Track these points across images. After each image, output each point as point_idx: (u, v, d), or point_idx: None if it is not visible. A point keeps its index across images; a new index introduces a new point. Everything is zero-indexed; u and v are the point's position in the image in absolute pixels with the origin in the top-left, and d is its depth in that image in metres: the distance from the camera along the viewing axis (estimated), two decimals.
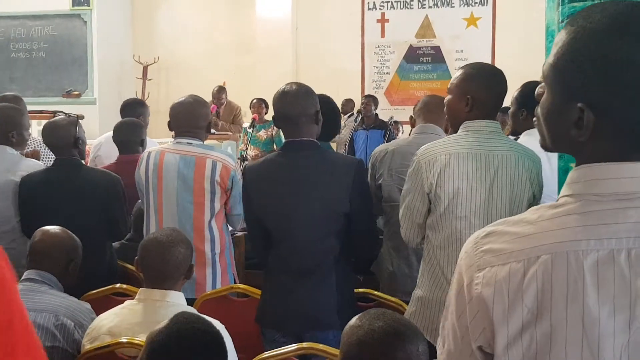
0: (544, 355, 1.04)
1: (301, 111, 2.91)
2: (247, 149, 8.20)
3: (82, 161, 3.84)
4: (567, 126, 1.09)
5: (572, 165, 2.37)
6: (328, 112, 3.27)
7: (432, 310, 2.70)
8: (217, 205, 3.49)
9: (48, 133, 3.76)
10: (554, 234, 1.06)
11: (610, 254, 1.02)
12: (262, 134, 8.44)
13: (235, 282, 3.58)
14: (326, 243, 2.88)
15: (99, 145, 5.06)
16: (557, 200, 1.12)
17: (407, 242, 2.94)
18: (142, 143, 4.51)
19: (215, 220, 3.50)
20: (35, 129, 7.23)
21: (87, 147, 4.52)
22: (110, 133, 4.73)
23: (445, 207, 2.67)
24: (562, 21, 2.43)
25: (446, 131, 3.73)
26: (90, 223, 3.53)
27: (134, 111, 5.15)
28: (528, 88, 3.57)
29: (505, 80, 2.79)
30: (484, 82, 2.76)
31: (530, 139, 3.21)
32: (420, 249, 2.93)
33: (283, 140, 8.86)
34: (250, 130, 8.37)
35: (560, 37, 1.11)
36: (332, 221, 2.88)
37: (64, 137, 3.70)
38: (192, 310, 2.58)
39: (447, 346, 1.18)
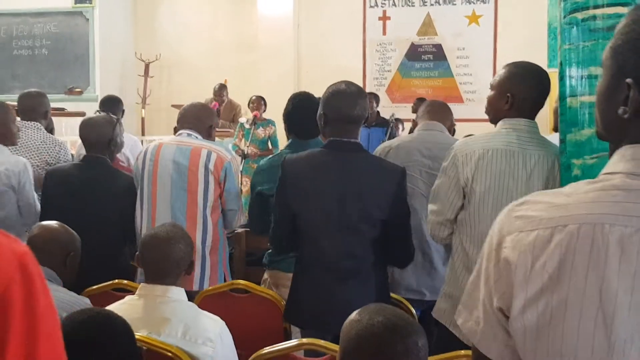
0: (557, 323, 1.05)
1: (358, 112, 2.86)
2: (241, 144, 8.22)
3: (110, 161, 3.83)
4: (616, 105, 1.12)
5: (574, 161, 2.38)
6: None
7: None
8: (211, 197, 3.52)
9: (84, 129, 3.79)
10: (586, 206, 1.07)
11: (638, 232, 1.03)
12: (260, 132, 8.45)
13: (225, 281, 3.58)
14: (365, 246, 2.84)
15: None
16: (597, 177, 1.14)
17: (432, 236, 2.94)
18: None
19: (211, 213, 3.53)
20: None
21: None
22: None
23: (477, 202, 2.67)
24: (565, 17, 2.43)
25: (449, 131, 3.75)
26: (110, 222, 3.57)
27: (115, 107, 5.23)
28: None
29: (548, 81, 2.79)
30: (526, 81, 2.76)
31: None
32: (445, 243, 2.94)
33: (278, 140, 8.89)
34: (248, 127, 8.37)
35: (622, 22, 1.15)
36: (371, 225, 2.83)
37: (99, 136, 3.73)
38: (192, 305, 2.58)
39: (475, 313, 1.20)
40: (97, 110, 4.87)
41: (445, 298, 2.81)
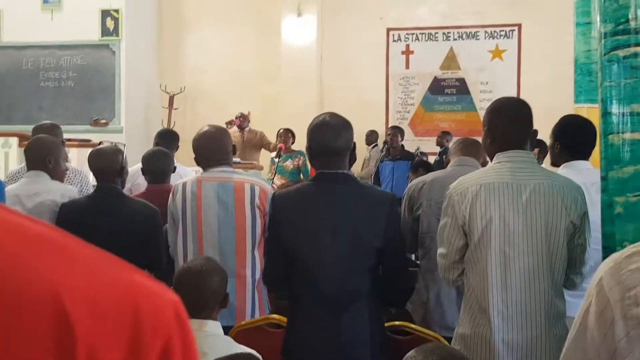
0: None
1: (341, 144, 2.87)
2: (273, 178, 8.23)
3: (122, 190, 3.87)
4: None
5: (616, 199, 2.36)
6: None
7: (474, 347, 2.65)
8: (258, 230, 3.49)
9: (95, 159, 3.77)
10: None
11: None
12: (289, 164, 8.49)
13: (268, 311, 3.57)
14: (359, 278, 2.83)
15: (137, 173, 5.07)
16: None
17: (444, 278, 2.91)
18: (174, 171, 4.54)
19: (258, 247, 3.52)
20: None
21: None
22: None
23: (478, 238, 2.64)
24: (605, 54, 2.42)
25: (482, 167, 3.74)
26: (128, 253, 3.52)
27: (170, 142, 5.27)
28: (563, 121, 3.56)
29: (528, 112, 2.76)
30: (501, 114, 2.76)
31: (569, 171, 3.19)
32: (457, 285, 2.90)
33: (309, 170, 8.85)
34: (276, 160, 8.42)
35: None
36: (365, 256, 2.83)
37: (111, 164, 3.74)
38: (229, 340, 2.57)
39: None
40: (101, 142, 4.93)
41: (459, 340, 2.76)
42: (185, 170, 5.06)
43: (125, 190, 5.01)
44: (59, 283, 0.61)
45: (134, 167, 5.09)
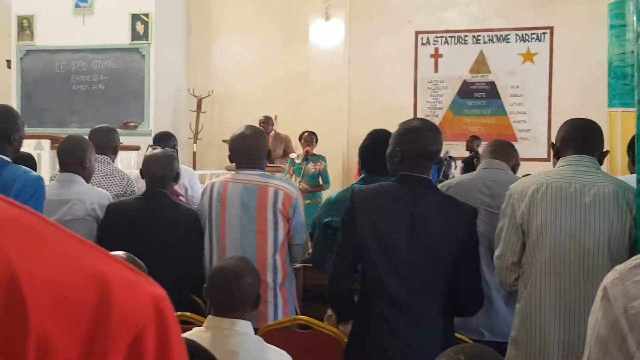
0: None
1: (429, 150, 2.82)
2: (292, 180, 8.24)
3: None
4: None
5: None
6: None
7: (527, 351, 2.62)
8: (280, 236, 3.48)
9: (149, 165, 3.80)
10: None
11: None
12: (311, 167, 8.48)
13: (297, 312, 3.57)
14: (434, 285, 2.75)
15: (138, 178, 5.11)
16: None
17: (501, 284, 2.87)
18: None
19: (280, 252, 3.51)
20: None
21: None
22: None
23: (535, 238, 2.62)
24: None
25: (513, 170, 3.71)
26: (171, 256, 3.56)
27: (168, 142, 5.31)
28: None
29: (598, 128, 2.81)
30: (565, 125, 2.81)
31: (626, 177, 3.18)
32: (514, 289, 2.86)
33: (329, 175, 8.88)
34: (299, 163, 8.41)
35: None
36: (440, 264, 2.73)
37: (164, 170, 3.77)
38: (259, 339, 2.57)
39: None
40: (151, 145, 4.95)
41: (513, 344, 2.73)
42: (187, 170, 5.13)
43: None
44: (18, 265, 0.60)
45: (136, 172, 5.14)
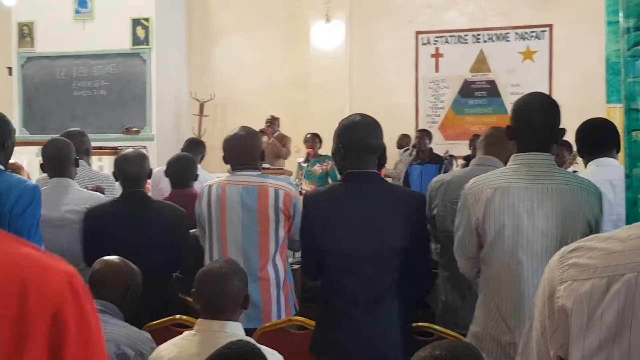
0: None
1: (375, 141, 2.90)
2: (301, 184, 8.24)
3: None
4: None
5: None
6: None
7: (487, 346, 2.63)
8: (282, 233, 3.51)
9: (124, 165, 3.79)
10: None
11: None
12: (317, 169, 8.51)
13: (296, 310, 3.59)
14: (388, 276, 2.86)
15: (160, 178, 5.13)
16: None
17: (464, 274, 2.90)
18: (196, 178, 4.57)
19: (281, 250, 3.53)
20: (96, 164, 7.38)
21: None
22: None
23: (491, 241, 2.61)
24: (628, 49, 2.38)
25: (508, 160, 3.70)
26: (155, 256, 3.56)
27: (196, 150, 5.36)
28: (581, 124, 3.61)
29: (548, 110, 2.69)
30: (520, 112, 2.70)
31: (595, 169, 3.16)
32: (476, 282, 2.88)
33: (337, 175, 8.96)
34: (304, 165, 8.43)
35: None
36: (393, 254, 2.85)
37: (139, 169, 3.77)
38: (250, 341, 2.57)
39: None
40: (120, 147, 5.01)
41: (472, 337, 2.73)
42: (209, 176, 5.12)
43: (154, 194, 5.10)
44: None
45: (157, 173, 5.15)
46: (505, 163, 3.63)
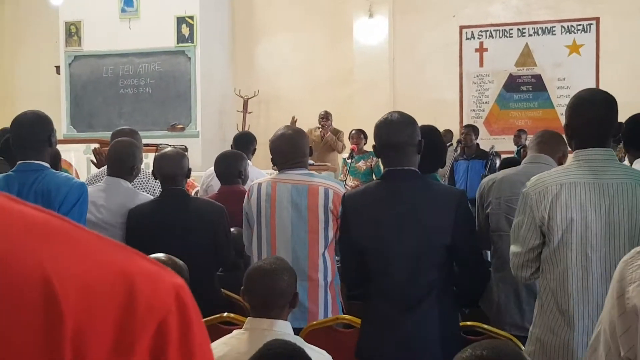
0: None
1: (406, 140, 2.88)
2: (346, 180, 8.23)
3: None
4: None
5: None
6: (435, 143, 3.22)
7: (551, 353, 2.59)
8: (330, 234, 3.50)
9: (162, 164, 3.83)
10: None
11: None
12: (362, 165, 8.49)
13: (343, 310, 3.59)
14: (429, 276, 2.83)
15: (211, 175, 5.13)
16: None
17: (516, 277, 2.85)
18: (241, 175, 4.58)
19: (329, 250, 3.52)
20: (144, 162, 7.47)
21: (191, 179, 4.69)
22: None
23: (559, 240, 2.57)
24: None
25: (559, 164, 3.64)
26: (198, 253, 3.58)
27: (245, 145, 5.34)
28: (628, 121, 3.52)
29: (608, 105, 2.65)
30: (580, 109, 2.66)
31: None
32: (530, 283, 2.84)
33: (382, 171, 8.90)
34: (349, 161, 8.42)
35: None
36: (434, 253, 2.83)
37: (177, 168, 3.81)
38: (299, 339, 2.58)
39: None
40: (162, 145, 5.01)
41: (534, 341, 2.68)
42: (260, 173, 5.12)
43: (201, 193, 5.13)
44: (48, 264, 0.64)
45: (208, 171, 5.18)
46: (559, 163, 3.60)
